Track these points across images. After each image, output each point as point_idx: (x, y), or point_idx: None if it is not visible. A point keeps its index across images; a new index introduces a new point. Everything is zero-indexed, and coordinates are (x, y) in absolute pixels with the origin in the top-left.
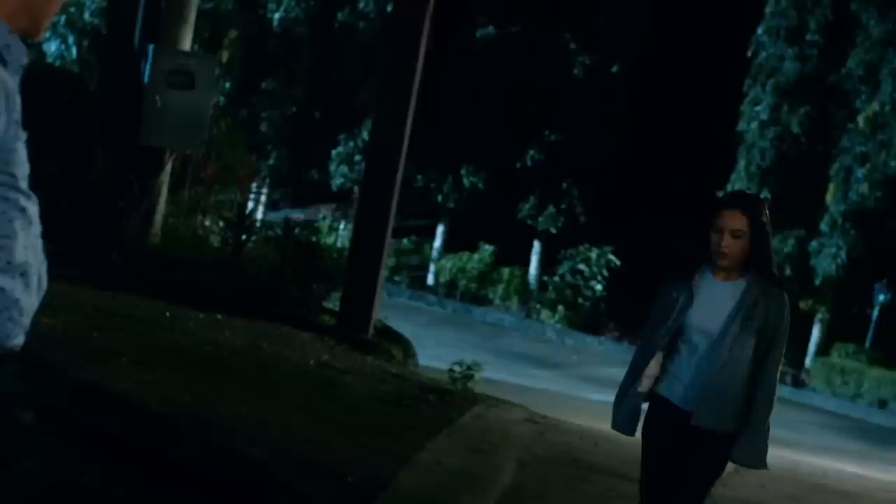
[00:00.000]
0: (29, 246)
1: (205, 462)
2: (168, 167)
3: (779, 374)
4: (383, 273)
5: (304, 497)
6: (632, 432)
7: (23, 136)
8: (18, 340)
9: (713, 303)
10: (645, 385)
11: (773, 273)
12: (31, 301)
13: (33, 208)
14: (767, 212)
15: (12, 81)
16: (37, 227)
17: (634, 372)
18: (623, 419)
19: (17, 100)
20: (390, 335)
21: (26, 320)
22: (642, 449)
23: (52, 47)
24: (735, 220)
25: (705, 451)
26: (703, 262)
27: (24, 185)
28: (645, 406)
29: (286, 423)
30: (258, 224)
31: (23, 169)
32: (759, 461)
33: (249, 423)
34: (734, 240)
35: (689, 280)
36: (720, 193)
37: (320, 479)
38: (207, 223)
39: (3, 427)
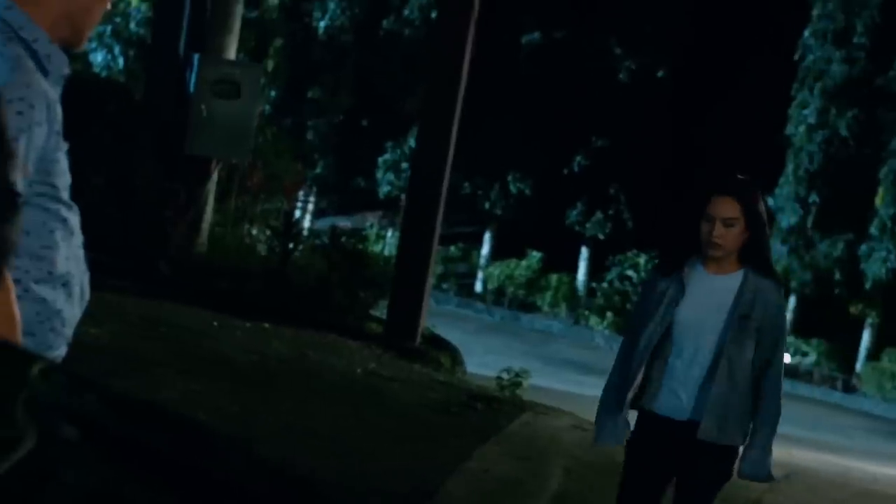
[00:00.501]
0: (71, 256)
1: (249, 473)
2: (214, 176)
3: (782, 379)
4: (430, 280)
5: None
6: (619, 443)
7: (64, 146)
8: (60, 351)
9: (706, 298)
10: (632, 393)
11: (769, 266)
12: (73, 312)
13: (74, 219)
14: (762, 198)
15: (53, 92)
16: (78, 238)
17: (622, 378)
18: (611, 434)
19: (58, 110)
20: (438, 343)
21: (69, 331)
22: (628, 466)
23: (98, 58)
24: (727, 208)
25: (710, 465)
26: (694, 254)
27: (65, 195)
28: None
29: (333, 432)
30: (305, 232)
31: (64, 179)
32: (767, 474)
33: (296, 433)
34: (727, 229)
35: (678, 272)
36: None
37: (367, 489)
38: (254, 232)
39: (45, 440)
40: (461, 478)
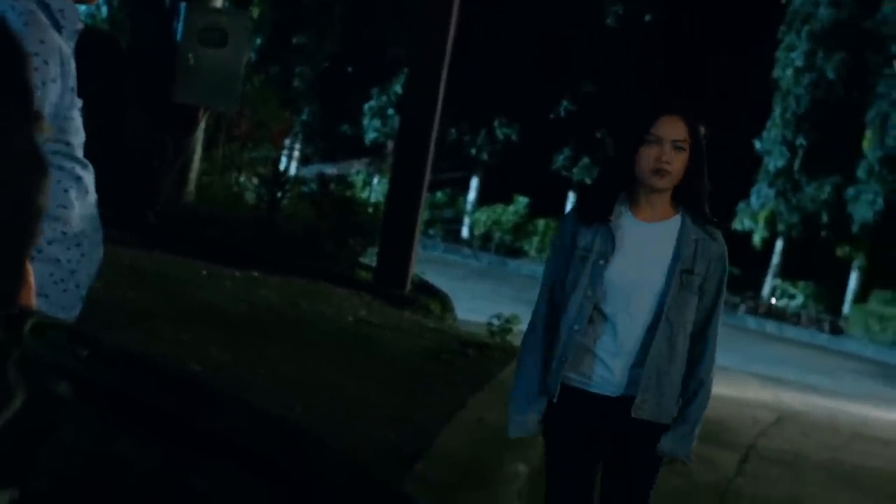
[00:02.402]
0: (85, 216)
1: (243, 426)
2: (202, 125)
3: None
4: (419, 228)
5: (348, 457)
6: (537, 433)
7: (78, 103)
8: (74, 312)
9: (640, 251)
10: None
11: (705, 209)
12: (87, 272)
13: (89, 177)
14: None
15: (67, 47)
16: (92, 196)
17: (543, 356)
18: (530, 421)
19: (73, 66)
20: (427, 290)
21: (82, 292)
22: (554, 454)
23: (81, 7)
24: (678, 129)
25: (648, 446)
26: (620, 198)
27: (79, 153)
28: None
29: (326, 381)
30: (291, 180)
31: (78, 137)
32: (689, 451)
33: (289, 382)
34: (676, 153)
35: (605, 221)
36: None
37: (363, 438)
38: (242, 180)
39: (42, 401)
40: (455, 427)
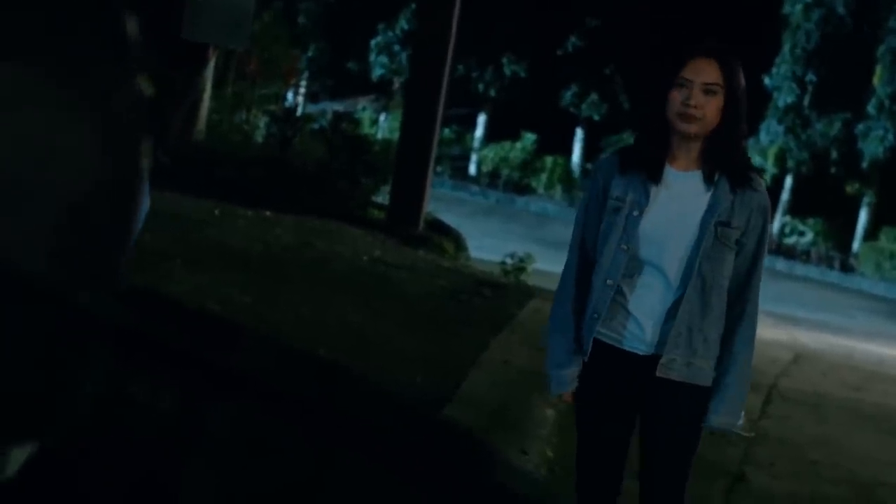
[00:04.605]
0: None
1: (266, 367)
2: (211, 63)
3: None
4: (432, 166)
5: (380, 402)
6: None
7: None
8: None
9: (674, 202)
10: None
11: (747, 159)
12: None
13: None
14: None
15: None
16: None
17: (570, 307)
18: (570, 377)
19: None
20: (440, 228)
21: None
22: (582, 414)
23: None
24: (709, 72)
25: (679, 409)
26: (657, 146)
27: None
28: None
29: (346, 322)
30: (301, 118)
31: None
32: (738, 420)
33: (310, 323)
34: (706, 97)
35: (639, 171)
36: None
37: (389, 382)
38: (252, 118)
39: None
40: (481, 369)
